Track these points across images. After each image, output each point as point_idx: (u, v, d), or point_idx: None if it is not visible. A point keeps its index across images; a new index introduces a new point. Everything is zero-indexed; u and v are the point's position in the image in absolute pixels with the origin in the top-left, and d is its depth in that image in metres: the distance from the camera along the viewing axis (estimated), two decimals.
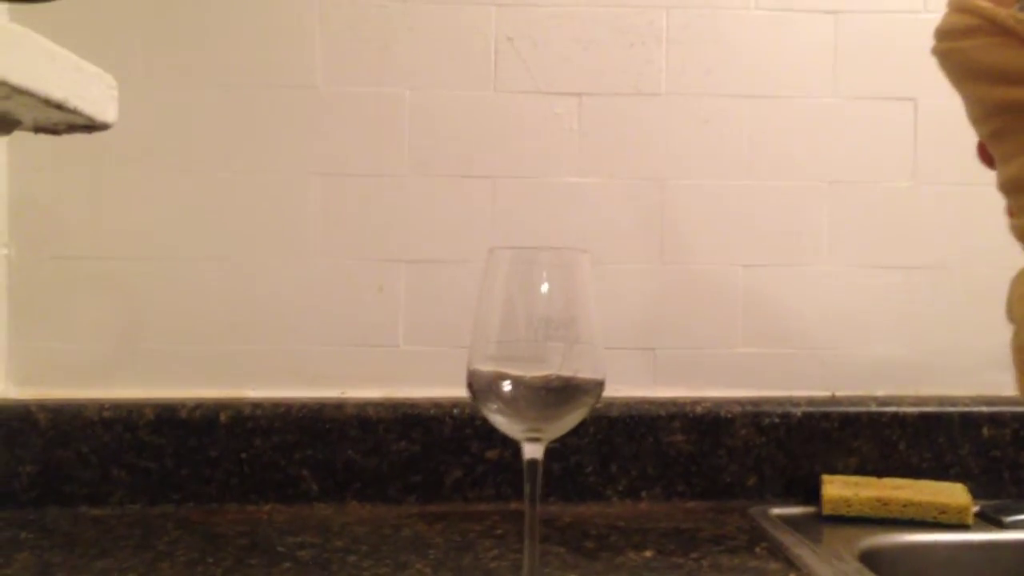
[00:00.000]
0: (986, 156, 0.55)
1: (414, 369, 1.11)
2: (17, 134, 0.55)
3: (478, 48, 1.12)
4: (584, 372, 0.72)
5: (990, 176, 1.15)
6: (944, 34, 0.56)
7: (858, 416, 1.11)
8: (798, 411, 1.10)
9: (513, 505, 1.05)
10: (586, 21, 1.12)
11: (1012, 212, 0.53)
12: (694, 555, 0.91)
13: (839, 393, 1.15)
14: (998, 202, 1.16)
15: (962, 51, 0.53)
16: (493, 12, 1.12)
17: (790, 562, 0.89)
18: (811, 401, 1.12)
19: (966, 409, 1.12)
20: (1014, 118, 0.51)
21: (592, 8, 1.12)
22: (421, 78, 1.11)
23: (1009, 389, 1.15)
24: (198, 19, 1.09)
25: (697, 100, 1.13)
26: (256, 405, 1.06)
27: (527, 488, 0.75)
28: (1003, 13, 0.51)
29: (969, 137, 1.15)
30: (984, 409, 1.12)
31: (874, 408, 1.11)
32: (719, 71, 1.13)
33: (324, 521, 1.01)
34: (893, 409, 1.11)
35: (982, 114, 0.54)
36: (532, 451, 0.74)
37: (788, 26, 1.13)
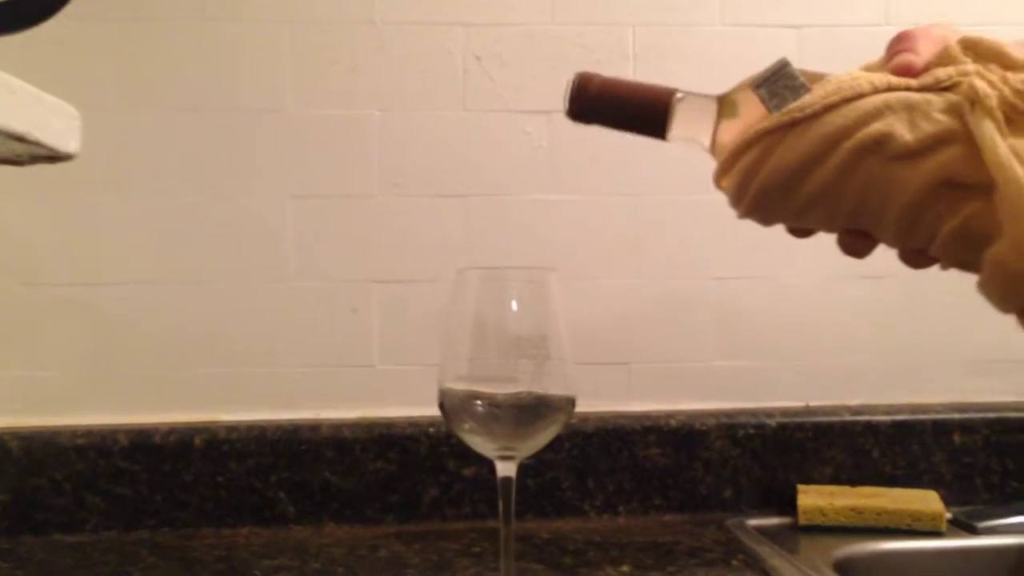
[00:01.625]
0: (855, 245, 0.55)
1: (389, 389, 1.11)
2: None
3: (447, 68, 1.12)
4: (555, 389, 0.73)
5: None
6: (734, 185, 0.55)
7: (832, 426, 1.11)
8: (772, 422, 1.11)
9: (491, 522, 1.05)
10: (553, 39, 1.13)
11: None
12: (671, 568, 0.91)
13: (813, 403, 1.16)
14: None
15: (758, 177, 0.53)
16: (461, 32, 1.12)
17: (766, 573, 0.89)
18: (785, 412, 1.13)
19: (938, 416, 1.13)
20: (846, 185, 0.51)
21: (559, 27, 1.13)
22: (391, 99, 1.12)
23: (981, 395, 1.17)
24: (167, 44, 1.09)
25: None
26: (231, 428, 1.06)
27: (501, 506, 0.75)
28: (758, 126, 0.52)
29: None
30: (955, 416, 1.13)
31: (848, 417, 1.12)
32: (689, 85, 1.14)
33: (301, 543, 1.00)
34: (866, 418, 1.12)
35: (828, 213, 0.53)
36: (505, 469, 0.75)
37: (753, 41, 1.14)
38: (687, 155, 1.15)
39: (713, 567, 0.92)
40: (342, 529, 1.05)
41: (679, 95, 0.60)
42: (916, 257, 0.52)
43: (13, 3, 0.49)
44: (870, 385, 1.17)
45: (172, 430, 1.05)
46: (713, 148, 0.59)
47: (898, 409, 1.14)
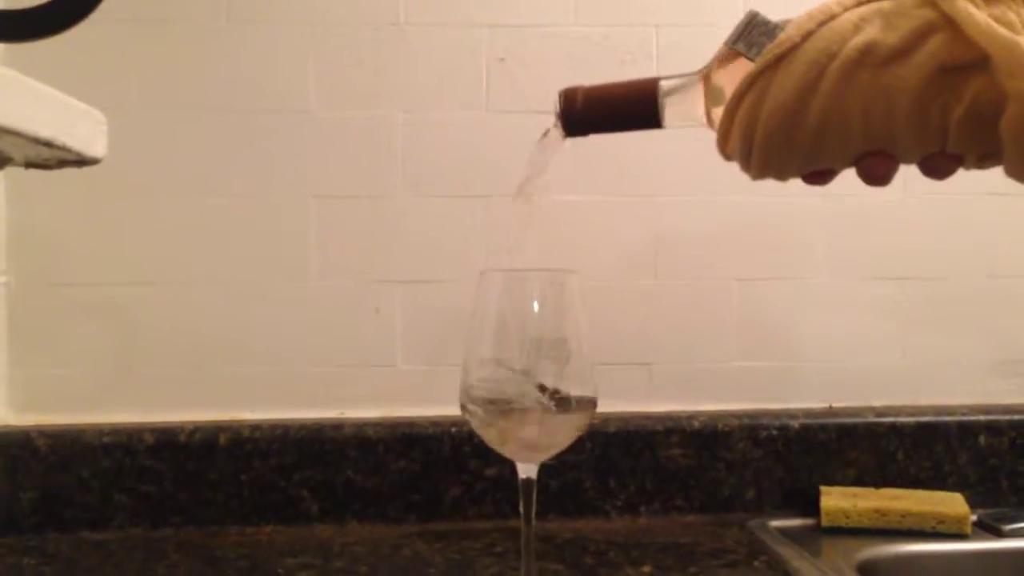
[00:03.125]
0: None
1: (412, 388, 1.12)
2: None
3: (470, 69, 1.13)
4: (576, 390, 0.73)
5: (981, 185, 1.16)
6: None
7: (855, 427, 1.11)
8: (795, 423, 1.10)
9: (512, 522, 1.05)
10: (577, 40, 1.13)
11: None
12: (692, 569, 0.91)
13: (836, 404, 1.15)
14: (990, 211, 1.17)
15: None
16: (485, 33, 1.13)
17: (789, 575, 0.89)
18: (808, 413, 1.12)
19: (963, 418, 1.12)
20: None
21: (583, 27, 1.13)
22: (414, 100, 1.12)
23: (1006, 396, 1.16)
24: (192, 46, 1.10)
25: None
26: (255, 427, 1.06)
27: (523, 506, 0.75)
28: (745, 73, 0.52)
29: None
30: (981, 418, 1.12)
31: (871, 419, 1.11)
32: None
33: (324, 542, 1.01)
34: (890, 419, 1.11)
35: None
36: (526, 470, 0.75)
37: None
38: (709, 156, 1.14)
39: (735, 568, 0.92)
40: (365, 528, 1.06)
41: (663, 83, 0.60)
42: (938, 164, 0.52)
43: (41, 9, 0.49)
44: (894, 386, 1.16)
45: (197, 429, 1.06)
46: (709, 120, 0.59)
47: (923, 411, 1.13)
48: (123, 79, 1.09)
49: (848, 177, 1.16)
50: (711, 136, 1.14)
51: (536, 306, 0.73)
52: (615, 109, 0.63)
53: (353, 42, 1.12)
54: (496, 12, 1.13)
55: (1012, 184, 1.21)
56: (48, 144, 0.45)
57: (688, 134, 1.13)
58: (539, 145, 0.69)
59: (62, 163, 0.52)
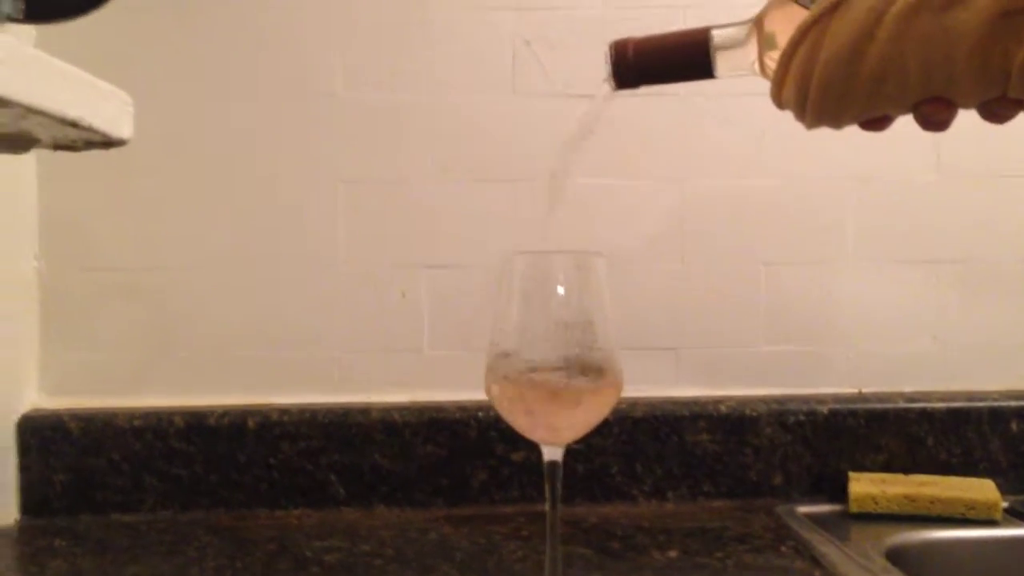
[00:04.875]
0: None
1: (439, 373, 1.12)
2: (44, 150, 0.56)
3: (496, 52, 1.12)
4: (602, 373, 0.73)
5: (1015, 167, 1.14)
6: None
7: (885, 413, 1.10)
8: (824, 409, 1.10)
9: (539, 506, 1.06)
10: (603, 23, 1.12)
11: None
12: (719, 554, 0.91)
13: (866, 390, 1.14)
14: (1023, 194, 1.15)
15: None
16: (511, 16, 1.12)
17: (816, 560, 0.88)
18: (837, 398, 1.11)
19: (995, 404, 1.11)
20: None
21: (609, 10, 1.12)
22: (441, 83, 1.12)
23: None
24: (219, 29, 1.11)
25: (716, 100, 1.13)
26: (283, 411, 1.07)
27: (548, 489, 0.75)
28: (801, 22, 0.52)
29: (993, 129, 1.14)
30: (1013, 404, 1.11)
31: (902, 404, 1.11)
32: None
33: (352, 525, 1.02)
34: (921, 405, 1.10)
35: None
36: (552, 453, 0.75)
37: None
38: (736, 139, 1.14)
39: (761, 553, 0.91)
40: (392, 512, 1.07)
41: (715, 32, 0.60)
42: (998, 109, 0.50)
43: None
44: (925, 372, 1.15)
45: (226, 412, 1.07)
46: (763, 69, 0.58)
47: (954, 396, 1.12)
48: (151, 63, 1.10)
49: (879, 159, 1.14)
50: (737, 118, 1.14)
51: (561, 289, 0.73)
52: (667, 59, 0.62)
53: (380, 25, 1.12)
54: None
55: None
56: (75, 125, 0.45)
57: (716, 116, 1.13)
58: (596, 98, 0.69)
59: (89, 144, 0.52)
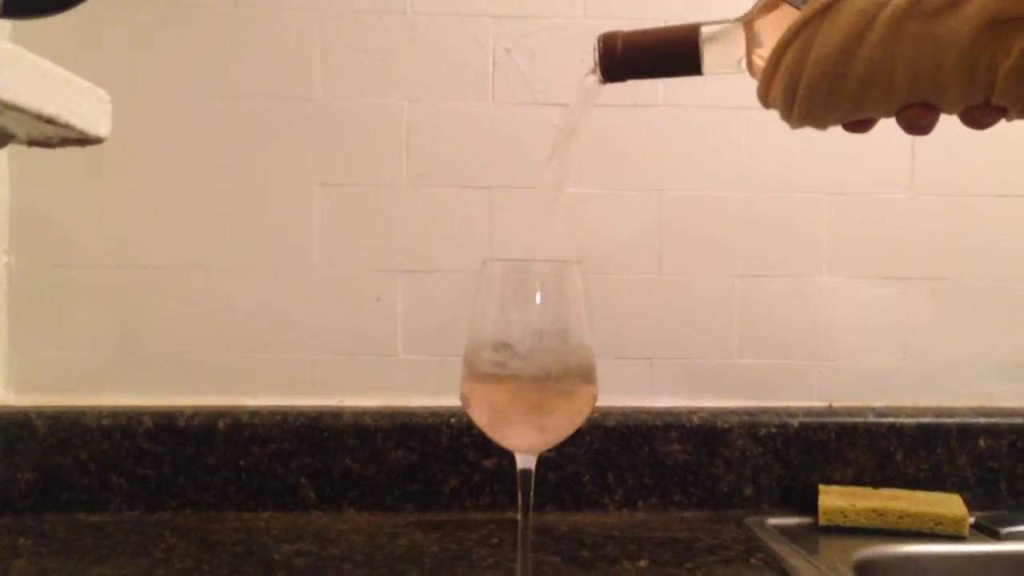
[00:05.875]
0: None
1: (412, 378, 1.12)
2: (17, 145, 0.55)
3: (476, 60, 1.12)
4: (577, 381, 0.73)
5: (987, 187, 1.16)
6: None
7: (855, 427, 1.11)
8: (795, 421, 1.10)
9: (510, 514, 1.05)
10: (583, 32, 1.12)
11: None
12: (688, 565, 0.91)
13: (836, 404, 1.15)
14: (995, 213, 1.17)
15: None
16: (491, 24, 1.12)
17: (785, 573, 0.89)
18: (808, 412, 1.12)
19: (963, 420, 1.12)
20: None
21: (589, 20, 1.13)
22: (420, 89, 1.12)
23: (1007, 399, 1.16)
24: (198, 31, 1.10)
25: (694, 111, 1.14)
26: (254, 413, 1.06)
27: (520, 498, 0.75)
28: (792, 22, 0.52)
29: (966, 149, 1.15)
30: (981, 420, 1.12)
31: (871, 419, 1.11)
32: (715, 82, 1.12)
33: (321, 529, 1.01)
34: (890, 420, 1.11)
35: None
36: (524, 461, 0.75)
37: None
38: (713, 150, 1.14)
39: (731, 565, 0.92)
40: (362, 516, 1.06)
41: (704, 28, 0.60)
42: (981, 116, 0.51)
43: None
44: (895, 387, 1.16)
45: (196, 413, 1.06)
46: (750, 67, 0.59)
47: (923, 412, 1.13)
48: (129, 61, 1.09)
49: (853, 175, 1.15)
50: (715, 131, 1.14)
51: (538, 297, 0.73)
52: (655, 54, 0.62)
53: (360, 30, 1.11)
54: (503, 3, 1.12)
55: (1018, 186, 1.21)
56: (51, 121, 0.45)
57: (692, 126, 1.13)
58: (578, 90, 0.69)
59: (65, 141, 0.51)
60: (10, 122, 0.45)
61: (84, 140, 0.51)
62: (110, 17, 1.07)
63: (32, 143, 0.52)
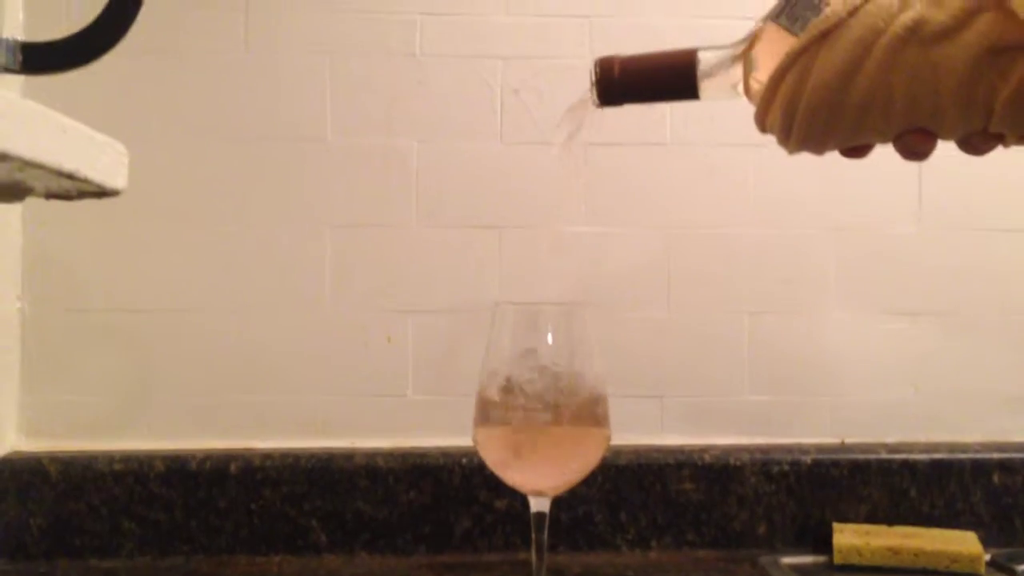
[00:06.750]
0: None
1: (423, 419, 1.11)
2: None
3: (485, 100, 1.13)
4: (590, 424, 0.73)
5: (996, 221, 1.16)
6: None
7: (868, 463, 1.10)
8: (807, 458, 1.10)
9: (522, 555, 1.05)
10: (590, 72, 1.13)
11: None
12: None
13: (848, 440, 1.15)
14: (1004, 247, 1.17)
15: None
16: (499, 65, 1.13)
17: None
18: (820, 448, 1.11)
19: (977, 456, 1.11)
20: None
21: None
22: (429, 130, 1.13)
23: (1021, 434, 1.15)
24: (209, 76, 1.11)
25: (702, 149, 1.15)
26: (266, 456, 1.06)
27: (534, 540, 0.75)
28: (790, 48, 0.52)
29: (974, 182, 1.15)
30: (995, 456, 1.11)
31: (884, 455, 1.11)
32: (722, 119, 1.14)
33: (333, 572, 1.01)
34: (903, 456, 1.11)
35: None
36: (539, 504, 0.75)
37: None
38: (720, 188, 1.15)
39: None
40: (374, 559, 1.05)
41: (702, 54, 0.60)
42: (978, 143, 0.51)
43: (66, 42, 0.50)
44: (907, 422, 1.15)
45: (208, 457, 1.06)
46: (747, 92, 0.59)
47: (936, 447, 1.12)
48: (142, 109, 1.10)
49: (861, 209, 1.15)
50: (722, 168, 1.15)
51: (550, 338, 0.73)
52: (652, 79, 0.62)
53: (370, 72, 1.12)
54: (511, 44, 1.13)
55: None
56: (71, 177, 0.45)
57: (699, 164, 1.14)
58: (571, 111, 0.69)
59: (83, 194, 0.52)
60: (30, 178, 0.46)
61: (102, 193, 0.51)
62: (120, 65, 1.08)
63: (50, 196, 0.52)
